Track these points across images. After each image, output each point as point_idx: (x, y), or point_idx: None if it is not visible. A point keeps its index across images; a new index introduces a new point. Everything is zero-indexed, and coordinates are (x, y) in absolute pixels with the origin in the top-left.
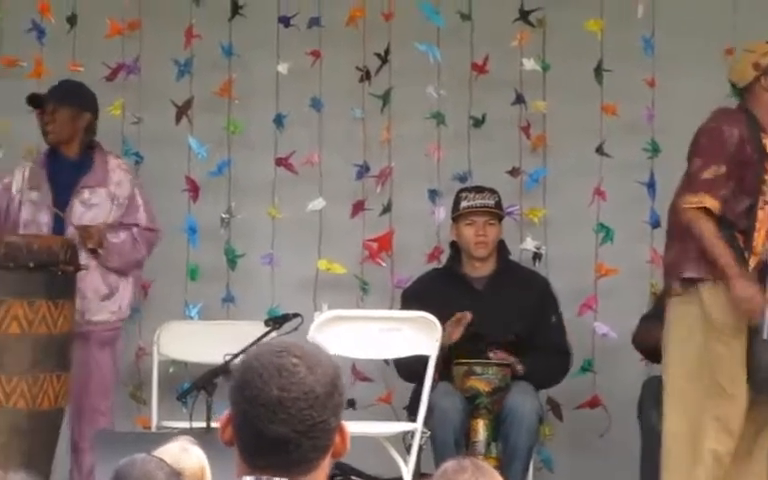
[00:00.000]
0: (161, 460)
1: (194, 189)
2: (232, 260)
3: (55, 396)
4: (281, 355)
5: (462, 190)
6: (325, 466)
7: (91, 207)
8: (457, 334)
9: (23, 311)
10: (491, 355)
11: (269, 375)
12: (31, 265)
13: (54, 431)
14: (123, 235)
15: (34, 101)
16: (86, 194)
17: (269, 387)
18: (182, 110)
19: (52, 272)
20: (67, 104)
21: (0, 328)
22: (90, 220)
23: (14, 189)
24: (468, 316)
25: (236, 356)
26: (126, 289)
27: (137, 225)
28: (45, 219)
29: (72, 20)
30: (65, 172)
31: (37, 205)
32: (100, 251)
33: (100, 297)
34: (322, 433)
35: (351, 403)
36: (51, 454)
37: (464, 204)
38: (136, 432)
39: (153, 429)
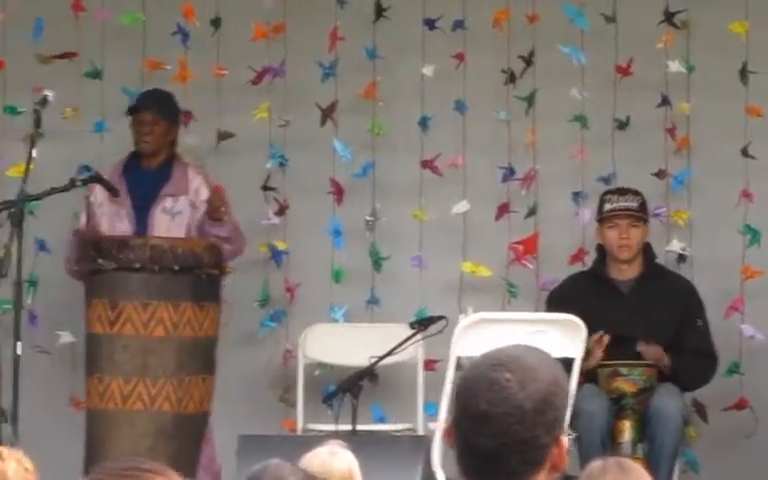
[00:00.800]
0: (296, 466)
1: (339, 191)
2: (377, 262)
3: (200, 399)
4: (495, 369)
5: (606, 193)
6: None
7: (174, 216)
8: (599, 355)
9: (168, 314)
10: (640, 348)
11: (480, 388)
12: (176, 268)
13: (199, 434)
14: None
15: (133, 107)
16: (168, 203)
17: (477, 400)
18: (327, 112)
19: (197, 275)
20: (165, 118)
21: (146, 331)
22: (174, 229)
23: (96, 201)
24: (606, 339)
25: (381, 358)
26: None
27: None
28: (124, 227)
29: (216, 23)
30: (145, 182)
31: (117, 215)
32: (225, 218)
33: None
34: (531, 448)
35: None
36: (196, 457)
37: (607, 207)
38: (280, 435)
39: (299, 432)
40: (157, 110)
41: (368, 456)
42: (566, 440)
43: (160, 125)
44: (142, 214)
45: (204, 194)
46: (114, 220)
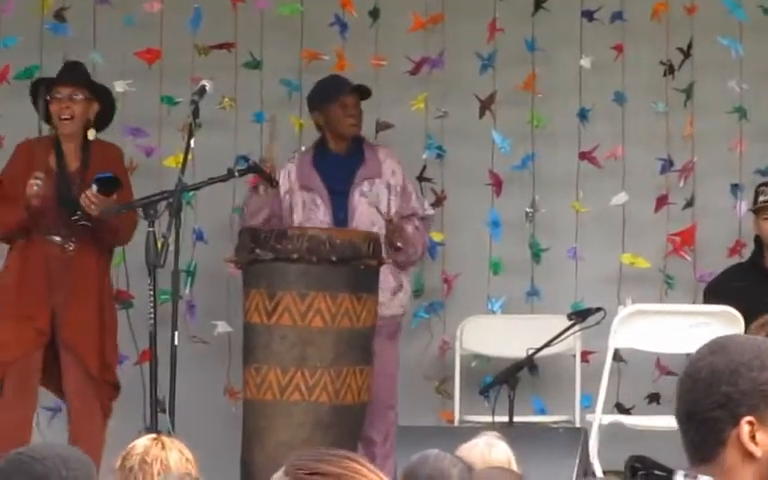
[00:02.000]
0: (455, 457)
1: (497, 183)
2: (536, 254)
3: (358, 390)
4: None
5: (761, 184)
6: (734, 463)
7: (372, 199)
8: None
9: (326, 305)
10: None
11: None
12: (334, 259)
13: (357, 425)
14: (410, 228)
15: (362, 90)
16: (365, 186)
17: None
18: (485, 104)
19: (355, 266)
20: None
21: (304, 321)
22: (374, 213)
23: (282, 191)
24: None
25: (538, 350)
26: (408, 283)
27: (414, 214)
28: (322, 217)
29: (374, 14)
30: (338, 168)
31: (313, 204)
32: (399, 244)
33: (391, 291)
34: (702, 424)
35: (655, 397)
36: (354, 449)
37: (761, 199)
38: (437, 427)
39: (456, 423)
40: (362, 93)
41: (525, 448)
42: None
43: (358, 107)
44: (340, 200)
45: (399, 176)
46: (310, 208)
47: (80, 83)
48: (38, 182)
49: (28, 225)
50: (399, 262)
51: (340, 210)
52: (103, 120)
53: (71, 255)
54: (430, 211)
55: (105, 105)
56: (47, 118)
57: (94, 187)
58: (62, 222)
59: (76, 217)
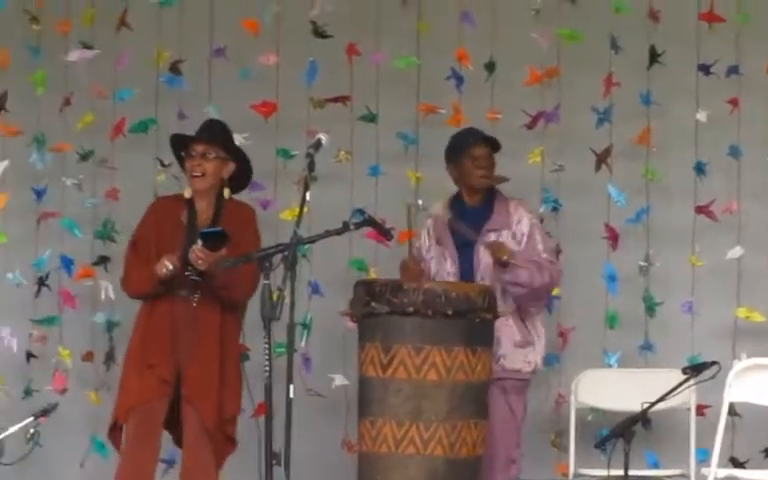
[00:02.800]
0: None
1: (613, 237)
2: (651, 307)
3: (473, 444)
4: None
5: None
6: None
7: None
8: None
9: (441, 358)
10: None
11: None
12: (449, 312)
13: (472, 479)
14: (527, 263)
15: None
16: (491, 237)
17: None
18: (601, 158)
19: (470, 319)
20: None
21: (419, 375)
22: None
23: (424, 250)
24: None
25: (653, 404)
26: (540, 344)
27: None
28: (449, 268)
29: (490, 67)
30: (467, 220)
31: (442, 257)
32: (510, 260)
33: (514, 344)
34: None
35: None
36: None
37: None
38: (551, 479)
39: (571, 476)
40: (495, 147)
41: None
42: None
43: (492, 159)
44: (467, 252)
45: (526, 225)
46: (440, 262)
47: (215, 142)
48: (169, 267)
49: (162, 291)
50: (508, 288)
51: (467, 261)
52: (241, 180)
53: (196, 309)
54: (555, 260)
55: (241, 165)
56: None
57: (199, 242)
58: (191, 279)
59: (188, 273)
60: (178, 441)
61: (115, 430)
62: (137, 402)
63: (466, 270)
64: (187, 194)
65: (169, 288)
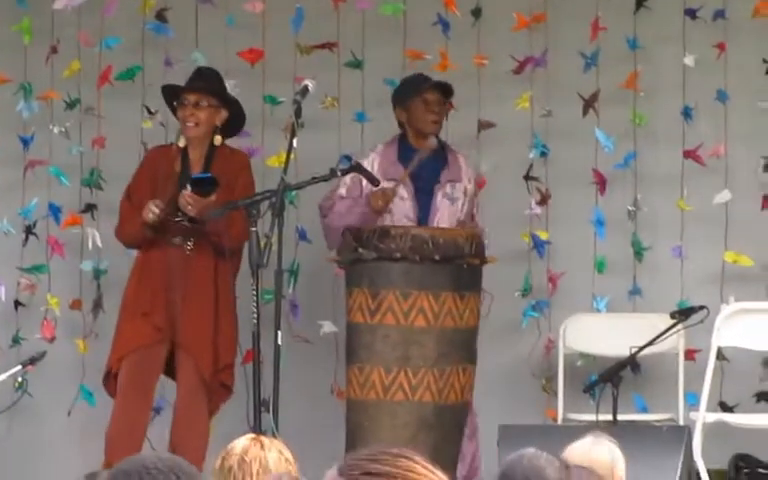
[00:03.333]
0: (551, 456)
1: (601, 182)
2: (639, 252)
3: (461, 389)
4: None
5: None
6: None
7: (454, 201)
8: None
9: (429, 304)
10: None
11: None
12: (437, 258)
13: (460, 425)
14: None
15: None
16: (448, 188)
17: None
18: (589, 103)
19: (458, 265)
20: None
21: (406, 321)
22: (454, 215)
23: (364, 182)
24: None
25: (642, 348)
26: None
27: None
28: (406, 209)
29: (477, 13)
30: (423, 166)
31: (397, 197)
32: None
33: None
34: None
35: (764, 396)
36: (457, 448)
37: None
38: (540, 425)
39: (559, 421)
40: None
41: (629, 446)
42: None
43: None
44: (424, 198)
45: (473, 184)
46: (397, 202)
47: (207, 90)
48: (155, 211)
49: (153, 237)
50: None
51: (423, 209)
52: (233, 127)
53: (189, 256)
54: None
55: (233, 111)
56: None
57: (189, 187)
58: (182, 225)
59: (178, 219)
60: None
61: (109, 378)
62: (130, 350)
63: (423, 217)
64: (182, 143)
65: (160, 234)
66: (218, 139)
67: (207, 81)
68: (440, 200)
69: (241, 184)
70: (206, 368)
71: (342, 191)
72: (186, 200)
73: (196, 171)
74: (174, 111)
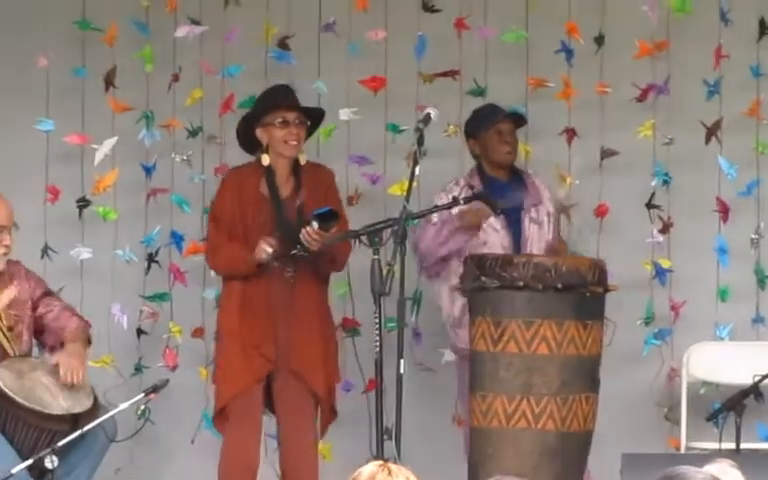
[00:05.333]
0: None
1: (724, 209)
2: (762, 280)
3: (584, 417)
4: None
5: None
6: None
7: (540, 224)
8: None
9: (552, 332)
10: None
11: None
12: (559, 286)
13: (583, 453)
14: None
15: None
16: (533, 213)
17: None
18: (712, 130)
19: (581, 293)
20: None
21: (530, 349)
22: (539, 238)
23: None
24: None
25: (765, 377)
26: None
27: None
28: (500, 238)
29: (600, 41)
30: (505, 192)
31: (489, 228)
32: None
33: None
34: None
35: None
36: (580, 476)
37: None
38: (663, 454)
39: (682, 450)
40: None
41: (751, 474)
42: None
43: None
44: (513, 226)
45: (552, 209)
46: (486, 231)
47: (300, 107)
48: (268, 251)
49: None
50: None
51: (515, 235)
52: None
53: (292, 282)
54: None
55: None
56: (251, 144)
57: (315, 224)
58: (281, 250)
59: (295, 251)
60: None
61: (221, 415)
62: (242, 386)
63: (516, 244)
64: (265, 162)
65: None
66: (303, 157)
67: (296, 99)
68: (528, 226)
69: (332, 199)
70: (322, 392)
71: (434, 217)
72: (312, 237)
73: (284, 191)
74: (250, 130)
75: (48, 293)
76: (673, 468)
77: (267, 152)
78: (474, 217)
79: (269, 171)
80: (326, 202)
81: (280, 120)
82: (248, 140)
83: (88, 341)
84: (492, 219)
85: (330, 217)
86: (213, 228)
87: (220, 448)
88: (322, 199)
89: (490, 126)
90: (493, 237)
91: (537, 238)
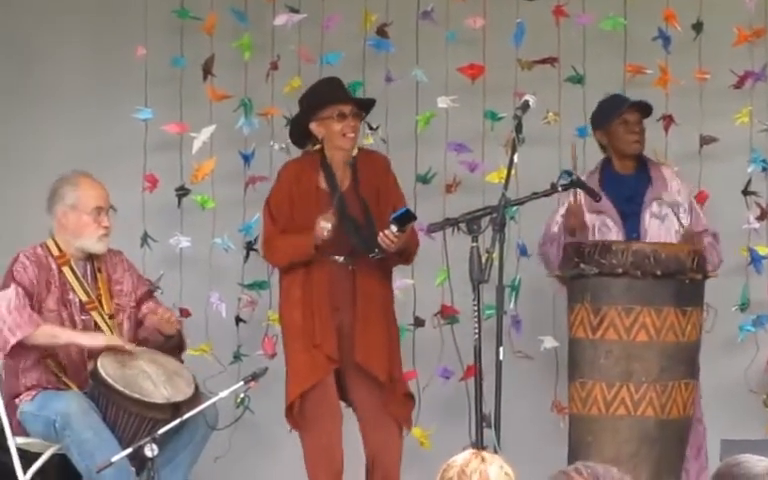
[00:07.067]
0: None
1: None
2: None
3: (683, 404)
4: None
5: None
6: None
7: (664, 219)
8: None
9: (651, 319)
10: None
11: None
12: (658, 273)
13: (683, 440)
14: (705, 240)
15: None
16: (654, 207)
17: None
18: None
19: (680, 280)
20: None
21: (629, 336)
22: (664, 234)
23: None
24: None
25: None
26: None
27: (705, 230)
28: (611, 237)
29: (698, 28)
30: (626, 190)
31: (604, 226)
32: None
33: None
34: None
35: None
36: (680, 463)
37: None
38: (764, 440)
39: None
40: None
41: None
42: None
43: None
44: (632, 222)
45: (685, 194)
46: (601, 230)
47: (356, 99)
48: (328, 227)
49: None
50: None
51: (632, 232)
52: None
53: (354, 273)
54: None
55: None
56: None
57: (393, 227)
58: (343, 242)
59: (373, 255)
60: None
61: (291, 411)
62: (309, 384)
63: (631, 237)
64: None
65: (322, 253)
66: (355, 147)
67: (349, 91)
68: (648, 221)
69: (392, 185)
70: (383, 379)
71: (554, 226)
72: (391, 240)
73: (343, 184)
74: (305, 121)
75: (151, 294)
76: (735, 456)
77: (321, 145)
78: (573, 218)
79: (327, 164)
80: (385, 189)
81: (337, 113)
82: (299, 134)
83: (181, 342)
84: (607, 220)
85: (408, 219)
86: (269, 220)
87: (302, 446)
88: (381, 185)
89: (616, 116)
90: (606, 235)
91: (657, 233)
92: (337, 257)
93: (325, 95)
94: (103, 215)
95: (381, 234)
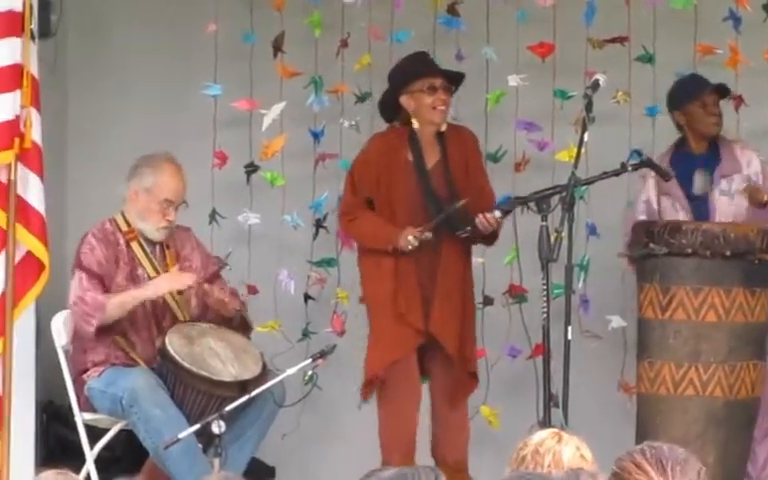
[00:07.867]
0: None
1: None
2: None
3: (752, 385)
4: None
5: None
6: None
7: (732, 196)
8: None
9: (720, 299)
10: None
11: None
12: (727, 253)
13: (750, 420)
14: None
15: (722, 89)
16: (723, 184)
17: None
18: None
19: (749, 260)
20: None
21: (697, 316)
22: (734, 211)
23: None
24: None
25: None
26: None
27: None
28: (680, 218)
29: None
30: (696, 167)
31: (673, 209)
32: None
33: None
34: None
35: None
36: (747, 444)
37: None
38: None
39: None
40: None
41: None
42: None
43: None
44: (701, 203)
45: (756, 163)
46: (671, 213)
47: (446, 72)
48: (415, 244)
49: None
50: None
51: (702, 213)
52: None
53: (438, 253)
54: None
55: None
56: (392, 111)
57: (497, 213)
58: (428, 219)
59: (460, 232)
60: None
61: (369, 383)
62: (395, 357)
63: (702, 219)
64: (416, 125)
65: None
66: (444, 124)
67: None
68: (717, 199)
69: (480, 163)
70: (453, 353)
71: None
72: (490, 223)
73: (430, 160)
74: (392, 95)
75: (218, 275)
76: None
77: (410, 119)
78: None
79: (414, 139)
80: (474, 164)
81: (428, 86)
82: (389, 108)
83: (244, 323)
84: (672, 199)
85: (511, 206)
86: (350, 189)
87: (378, 416)
88: (470, 158)
89: (696, 98)
90: (672, 216)
91: (726, 211)
92: (428, 236)
93: (416, 68)
94: (171, 209)
95: (481, 216)
